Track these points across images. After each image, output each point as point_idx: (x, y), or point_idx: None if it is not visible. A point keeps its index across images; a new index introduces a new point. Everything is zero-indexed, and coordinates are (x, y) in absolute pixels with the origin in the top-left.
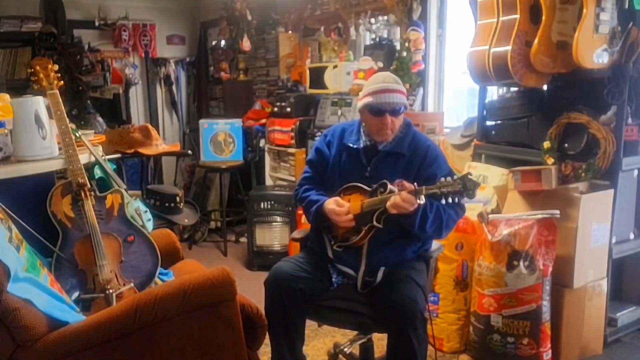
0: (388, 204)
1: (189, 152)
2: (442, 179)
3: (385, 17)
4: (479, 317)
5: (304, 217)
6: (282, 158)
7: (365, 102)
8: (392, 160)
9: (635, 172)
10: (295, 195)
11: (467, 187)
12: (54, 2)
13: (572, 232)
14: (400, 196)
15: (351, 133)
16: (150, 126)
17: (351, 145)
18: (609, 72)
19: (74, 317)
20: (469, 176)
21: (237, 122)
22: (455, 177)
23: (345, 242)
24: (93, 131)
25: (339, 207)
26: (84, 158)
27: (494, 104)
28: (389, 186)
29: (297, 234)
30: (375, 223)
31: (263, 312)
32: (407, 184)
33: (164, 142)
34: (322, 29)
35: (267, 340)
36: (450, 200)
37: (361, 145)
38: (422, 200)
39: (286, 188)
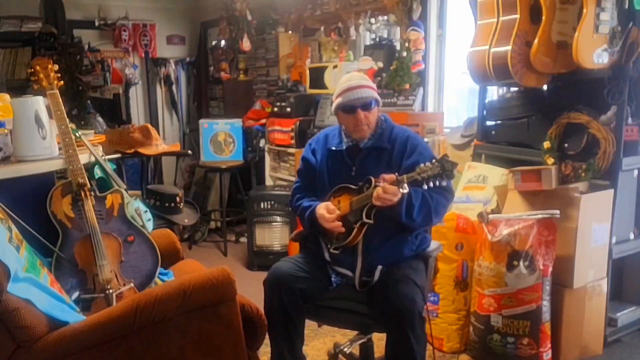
0: (373, 197)
1: (189, 152)
2: (422, 165)
3: (385, 17)
4: (479, 317)
5: None
6: (282, 158)
7: (337, 104)
8: (375, 156)
9: (635, 172)
10: (290, 205)
11: (445, 168)
12: (54, 2)
13: (572, 232)
14: (382, 188)
15: (334, 137)
16: (150, 126)
17: (334, 148)
18: (609, 72)
19: (74, 317)
20: (446, 157)
21: (237, 122)
22: (433, 160)
23: (341, 243)
24: (93, 131)
25: (329, 213)
26: (84, 158)
27: (494, 104)
28: (373, 181)
29: (296, 234)
30: (365, 219)
31: (263, 312)
32: (387, 176)
33: (164, 142)
34: (322, 29)
35: (267, 340)
36: (431, 184)
37: (344, 147)
38: (405, 189)
39: (286, 188)
